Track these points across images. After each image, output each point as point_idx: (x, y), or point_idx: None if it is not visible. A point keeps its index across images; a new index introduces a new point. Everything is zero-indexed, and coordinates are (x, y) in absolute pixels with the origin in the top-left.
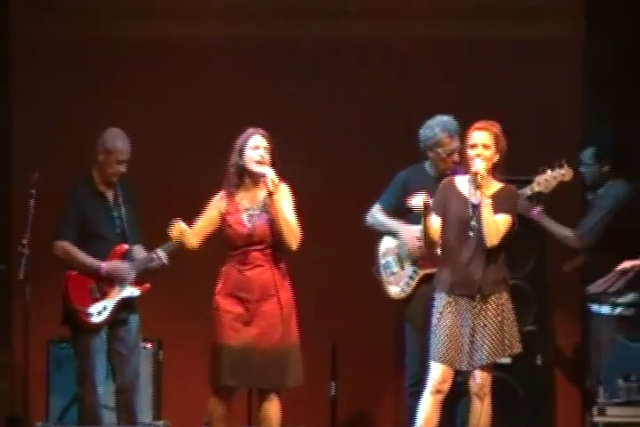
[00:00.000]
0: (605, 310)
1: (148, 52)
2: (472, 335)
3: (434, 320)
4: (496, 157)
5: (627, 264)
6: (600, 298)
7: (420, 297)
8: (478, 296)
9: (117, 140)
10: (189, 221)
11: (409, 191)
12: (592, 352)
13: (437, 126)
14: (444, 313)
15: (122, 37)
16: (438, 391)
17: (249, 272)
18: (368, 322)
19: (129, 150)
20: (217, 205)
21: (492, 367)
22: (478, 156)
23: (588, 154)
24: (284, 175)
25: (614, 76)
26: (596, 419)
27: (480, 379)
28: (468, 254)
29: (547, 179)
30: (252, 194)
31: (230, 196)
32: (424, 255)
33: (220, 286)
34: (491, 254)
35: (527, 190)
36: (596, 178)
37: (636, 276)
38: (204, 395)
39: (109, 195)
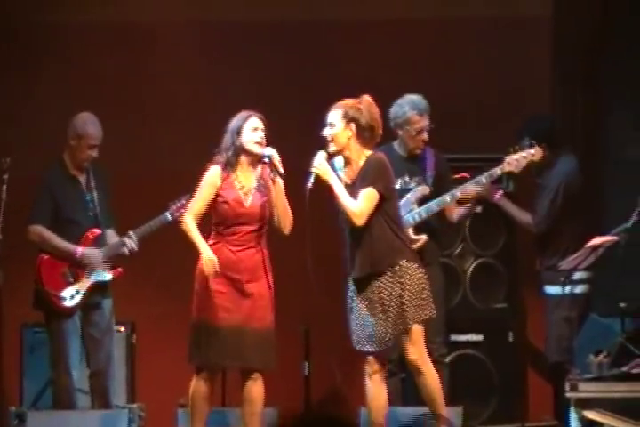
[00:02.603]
0: (555, 290)
1: (121, 33)
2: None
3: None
4: (347, 132)
5: (597, 240)
6: (550, 278)
7: None
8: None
9: (88, 125)
10: (163, 202)
11: None
12: (548, 331)
13: (407, 104)
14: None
15: (97, 19)
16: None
17: (241, 253)
18: (340, 302)
19: (100, 135)
20: (212, 181)
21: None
22: (324, 137)
23: (525, 143)
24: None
25: (582, 53)
26: (569, 394)
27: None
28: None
29: (517, 158)
30: (248, 174)
31: (227, 174)
32: None
33: None
34: (370, 230)
35: (497, 170)
36: (540, 163)
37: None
38: (177, 377)
39: (82, 179)
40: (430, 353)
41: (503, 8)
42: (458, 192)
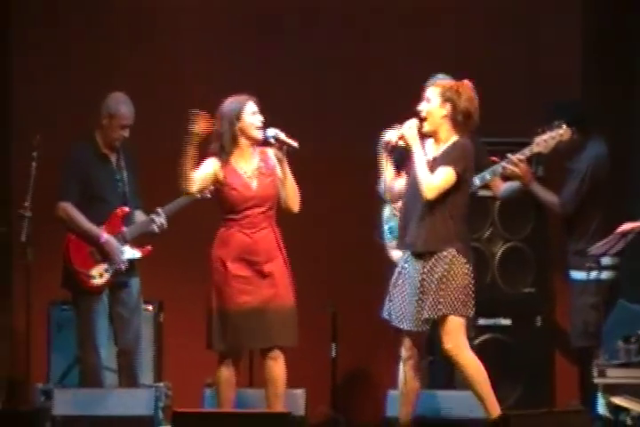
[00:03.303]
0: (581, 276)
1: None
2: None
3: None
4: (442, 111)
5: (626, 226)
6: (576, 264)
7: None
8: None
9: (121, 105)
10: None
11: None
12: (573, 317)
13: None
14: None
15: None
16: None
17: (256, 235)
18: (370, 285)
19: (132, 115)
20: (213, 166)
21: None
22: (419, 111)
23: (559, 123)
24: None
25: (613, 37)
26: (596, 380)
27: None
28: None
29: (545, 139)
30: (247, 158)
31: (225, 162)
32: None
33: (223, 251)
34: (432, 209)
35: (526, 151)
36: (569, 147)
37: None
38: (204, 357)
39: (112, 158)
40: None
41: None
42: (487, 175)
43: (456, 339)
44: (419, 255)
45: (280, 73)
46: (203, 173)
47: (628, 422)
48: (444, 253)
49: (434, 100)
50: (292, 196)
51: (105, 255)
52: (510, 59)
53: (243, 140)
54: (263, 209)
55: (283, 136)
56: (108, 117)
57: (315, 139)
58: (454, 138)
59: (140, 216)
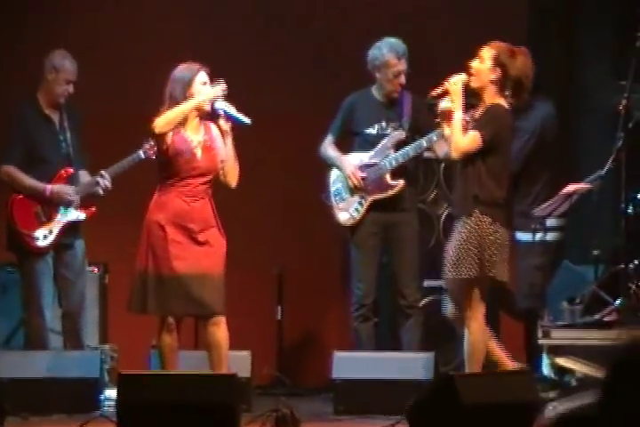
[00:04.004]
0: (526, 237)
1: None
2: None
3: None
4: (491, 74)
5: (570, 188)
6: (522, 225)
7: (369, 223)
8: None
9: (66, 60)
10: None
11: (355, 116)
12: (519, 278)
13: (385, 47)
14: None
15: None
16: None
17: (195, 204)
18: (316, 247)
19: (76, 71)
20: None
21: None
22: (468, 66)
23: None
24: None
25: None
26: (541, 341)
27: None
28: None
29: None
30: (194, 128)
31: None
32: (362, 185)
33: (161, 215)
34: (464, 172)
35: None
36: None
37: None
38: (150, 318)
39: (55, 118)
40: (405, 298)
41: None
42: (434, 136)
43: (469, 301)
44: (455, 216)
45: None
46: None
47: (573, 382)
48: (474, 214)
49: (486, 62)
50: (232, 170)
51: (56, 211)
52: (457, 18)
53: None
54: (205, 180)
55: (233, 110)
56: (53, 72)
57: (263, 97)
58: (495, 101)
59: (84, 177)
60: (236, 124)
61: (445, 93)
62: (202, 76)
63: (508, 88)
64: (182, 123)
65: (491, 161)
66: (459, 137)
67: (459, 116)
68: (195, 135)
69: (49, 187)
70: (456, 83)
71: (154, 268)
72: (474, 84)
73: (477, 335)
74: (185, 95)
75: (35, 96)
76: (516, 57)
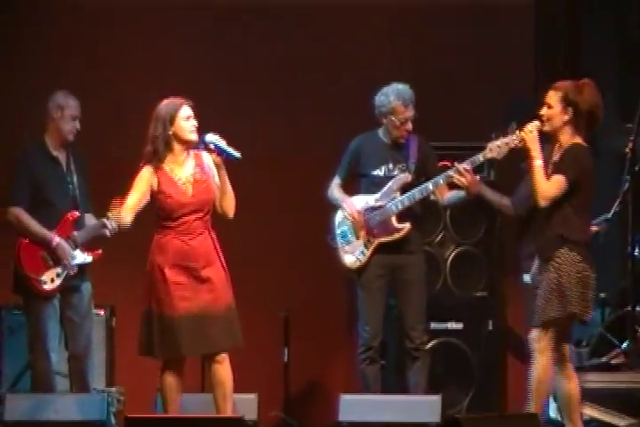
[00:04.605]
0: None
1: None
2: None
3: None
4: (564, 116)
5: None
6: (530, 267)
7: (375, 266)
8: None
9: (69, 97)
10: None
11: (361, 158)
12: (527, 320)
13: (392, 94)
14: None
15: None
16: None
17: (193, 242)
18: (322, 289)
19: (80, 108)
20: (147, 179)
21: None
22: (539, 115)
23: (512, 127)
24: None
25: (565, 42)
26: None
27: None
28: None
29: (499, 145)
30: (181, 163)
31: (159, 168)
32: (364, 225)
33: (161, 257)
34: (548, 215)
35: (480, 157)
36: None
37: None
38: (156, 362)
39: (62, 161)
40: (412, 341)
41: None
42: (441, 180)
43: (543, 339)
44: (541, 258)
45: (230, 75)
46: (138, 197)
47: None
48: (560, 254)
49: (555, 106)
50: (228, 202)
51: (56, 260)
52: (464, 63)
53: (176, 145)
54: (200, 215)
55: (223, 144)
56: (59, 110)
57: (265, 138)
58: (573, 141)
59: (90, 220)
60: (227, 159)
61: (523, 143)
62: (185, 111)
63: (582, 123)
64: (165, 158)
65: (576, 201)
66: (543, 184)
67: (539, 163)
68: (182, 170)
69: (56, 239)
70: (531, 131)
71: (157, 311)
72: (548, 128)
73: (542, 372)
74: (167, 134)
75: (42, 138)
76: (583, 90)
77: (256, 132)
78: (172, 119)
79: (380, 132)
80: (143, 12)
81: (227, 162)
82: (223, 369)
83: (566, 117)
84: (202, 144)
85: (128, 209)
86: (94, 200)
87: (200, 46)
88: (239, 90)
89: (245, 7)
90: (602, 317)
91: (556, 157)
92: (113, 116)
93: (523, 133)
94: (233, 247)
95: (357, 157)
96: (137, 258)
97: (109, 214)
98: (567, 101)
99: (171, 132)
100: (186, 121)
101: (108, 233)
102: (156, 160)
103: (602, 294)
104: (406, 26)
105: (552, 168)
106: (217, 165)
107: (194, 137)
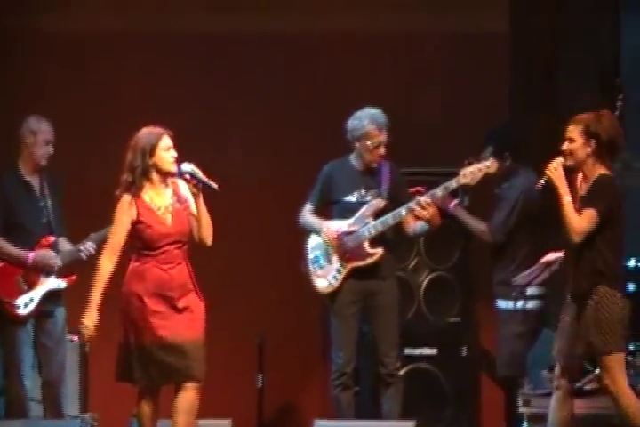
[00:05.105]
0: (507, 305)
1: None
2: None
3: None
4: (586, 149)
5: (550, 257)
6: (502, 293)
7: (348, 291)
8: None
9: (42, 121)
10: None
11: (333, 184)
12: (499, 346)
13: (366, 118)
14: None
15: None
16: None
17: (172, 271)
18: (297, 315)
19: (53, 132)
20: (126, 212)
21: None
22: (562, 150)
23: (488, 152)
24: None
25: (540, 70)
26: (521, 410)
27: None
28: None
29: (472, 171)
30: (160, 193)
31: (137, 198)
32: (342, 249)
33: (140, 285)
34: (581, 250)
35: (453, 183)
36: (500, 173)
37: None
38: (130, 387)
39: (36, 185)
40: (385, 366)
41: (461, 25)
42: (413, 205)
43: (613, 377)
44: (575, 295)
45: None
46: (121, 233)
47: None
48: (599, 292)
49: (577, 139)
50: (206, 230)
51: (30, 284)
52: (439, 89)
53: (155, 176)
54: (179, 244)
55: (200, 174)
56: (31, 136)
57: (242, 164)
58: (599, 173)
59: (64, 245)
60: (204, 189)
61: (550, 182)
62: (165, 142)
63: (605, 153)
64: (143, 187)
65: (609, 233)
66: (575, 220)
67: (568, 200)
68: (160, 199)
69: (31, 255)
70: (556, 168)
71: (135, 339)
72: (571, 162)
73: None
74: (147, 164)
75: (15, 163)
76: (603, 120)
77: (236, 160)
78: (152, 150)
79: (352, 157)
80: (121, 38)
81: (204, 191)
82: (189, 395)
83: (589, 149)
84: (178, 174)
85: (111, 250)
86: (72, 224)
87: (179, 73)
88: (218, 117)
89: (225, 36)
90: None
91: (583, 190)
92: (90, 141)
93: (548, 172)
94: (208, 273)
95: (329, 183)
96: (112, 284)
97: (85, 241)
98: (589, 133)
99: (151, 163)
100: (166, 152)
101: (84, 256)
102: (135, 189)
103: None
104: (383, 53)
105: (580, 202)
106: (194, 195)
107: (173, 168)
